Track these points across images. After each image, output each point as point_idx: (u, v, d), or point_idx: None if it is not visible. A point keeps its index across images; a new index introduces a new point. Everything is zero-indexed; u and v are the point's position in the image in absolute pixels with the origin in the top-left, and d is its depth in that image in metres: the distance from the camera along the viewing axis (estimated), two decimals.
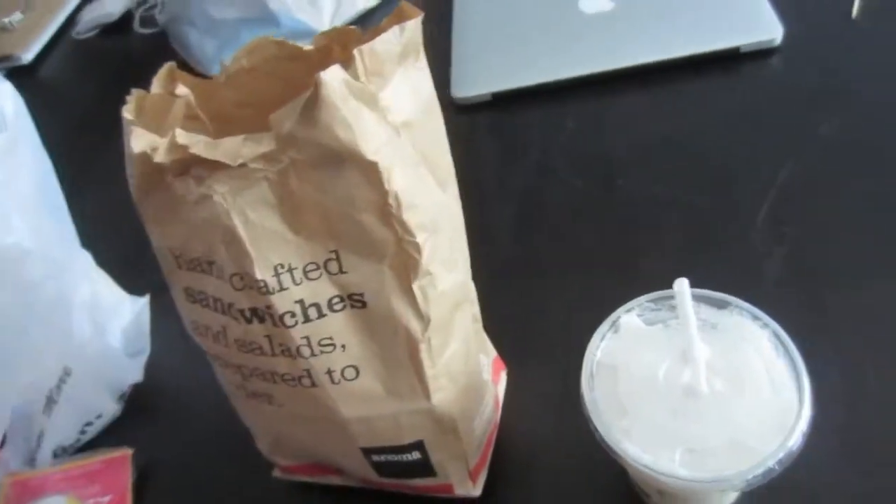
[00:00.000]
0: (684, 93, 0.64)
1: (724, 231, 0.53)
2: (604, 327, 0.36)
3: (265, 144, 0.29)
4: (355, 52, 0.30)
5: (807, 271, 0.49)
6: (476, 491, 0.43)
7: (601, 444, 0.32)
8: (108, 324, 0.50)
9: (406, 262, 0.32)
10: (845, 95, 0.59)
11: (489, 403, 0.43)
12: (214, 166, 0.29)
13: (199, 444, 0.50)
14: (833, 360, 0.44)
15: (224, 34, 0.80)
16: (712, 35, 0.65)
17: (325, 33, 0.35)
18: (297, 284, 0.32)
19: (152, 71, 0.36)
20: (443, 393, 0.37)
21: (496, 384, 0.47)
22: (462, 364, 0.38)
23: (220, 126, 0.37)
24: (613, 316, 0.36)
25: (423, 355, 0.35)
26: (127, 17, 0.97)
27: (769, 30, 0.64)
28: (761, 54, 0.64)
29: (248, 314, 0.33)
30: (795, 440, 0.30)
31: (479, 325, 0.42)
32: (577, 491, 0.44)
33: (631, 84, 0.65)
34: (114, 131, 0.35)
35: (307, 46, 0.35)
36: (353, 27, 0.35)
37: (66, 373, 0.47)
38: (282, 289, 0.32)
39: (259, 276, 0.31)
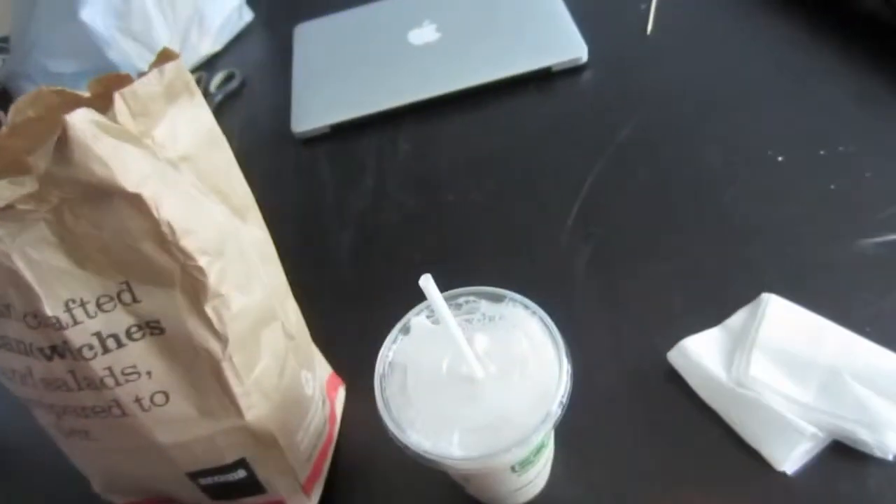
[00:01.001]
0: (505, 111, 0.69)
1: (540, 234, 0.58)
2: (395, 331, 0.38)
3: (28, 186, 0.30)
4: (116, 94, 0.32)
5: (610, 270, 0.54)
6: (311, 503, 0.45)
7: (390, 437, 0.35)
8: None
9: (195, 286, 0.34)
10: (641, 104, 0.65)
11: (316, 417, 0.45)
12: None
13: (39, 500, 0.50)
14: (626, 352, 0.49)
15: None
16: (526, 57, 0.70)
17: (99, 79, 0.37)
18: (92, 317, 0.33)
19: None
20: (256, 409, 0.38)
21: (332, 400, 0.49)
22: (275, 380, 0.40)
23: (15, 175, 0.38)
24: (404, 319, 0.39)
25: (228, 374, 0.36)
26: None
27: (575, 50, 0.70)
28: (571, 72, 0.70)
29: (47, 352, 0.34)
30: (554, 409, 0.34)
31: (297, 341, 0.44)
32: (412, 496, 0.46)
33: (457, 107, 0.70)
34: None
35: (86, 94, 0.37)
36: (126, 73, 0.37)
37: None
38: (76, 323, 0.33)
39: (50, 312, 0.32)
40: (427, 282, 0.34)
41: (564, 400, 0.34)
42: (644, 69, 0.68)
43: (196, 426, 0.37)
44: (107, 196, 0.31)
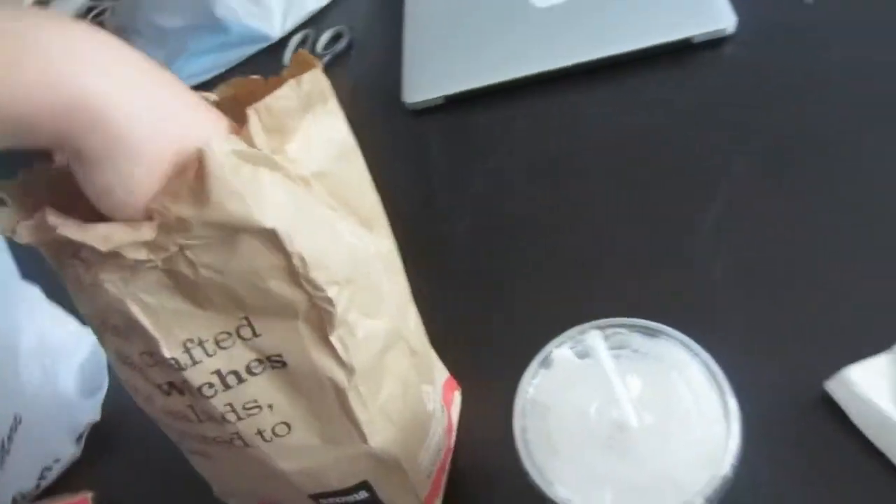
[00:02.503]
0: (637, 88, 0.63)
1: (674, 237, 0.52)
2: (534, 364, 0.35)
3: (144, 232, 0.27)
4: (249, 111, 0.29)
5: (753, 281, 0.49)
6: None
7: (533, 487, 0.32)
8: (60, 366, 0.50)
9: (320, 316, 0.31)
10: (798, 89, 0.58)
11: (437, 433, 0.43)
12: (97, 251, 0.27)
13: (158, 484, 0.50)
14: (777, 382, 0.44)
15: (172, 43, 0.78)
16: (664, 26, 0.63)
17: (230, 84, 0.34)
18: (211, 356, 0.31)
19: None
20: (381, 434, 0.37)
21: (448, 407, 0.47)
22: (400, 403, 0.38)
23: None
24: (544, 351, 0.35)
25: (353, 403, 0.34)
26: None
27: (721, 18, 0.62)
28: (714, 44, 0.63)
29: (165, 388, 0.33)
30: (723, 473, 0.30)
31: (419, 357, 0.41)
32: None
33: (584, 80, 0.64)
34: None
35: (213, 97, 0.34)
36: (256, 77, 0.33)
37: (17, 421, 0.46)
38: (195, 363, 0.31)
39: (168, 354, 0.30)
40: (595, 340, 0.30)
41: (735, 463, 0.31)
42: (803, 45, 0.60)
43: (319, 454, 0.36)
44: (233, 236, 0.28)
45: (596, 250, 0.54)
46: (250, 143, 0.28)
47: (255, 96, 0.31)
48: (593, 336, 0.30)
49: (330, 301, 0.31)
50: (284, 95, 0.29)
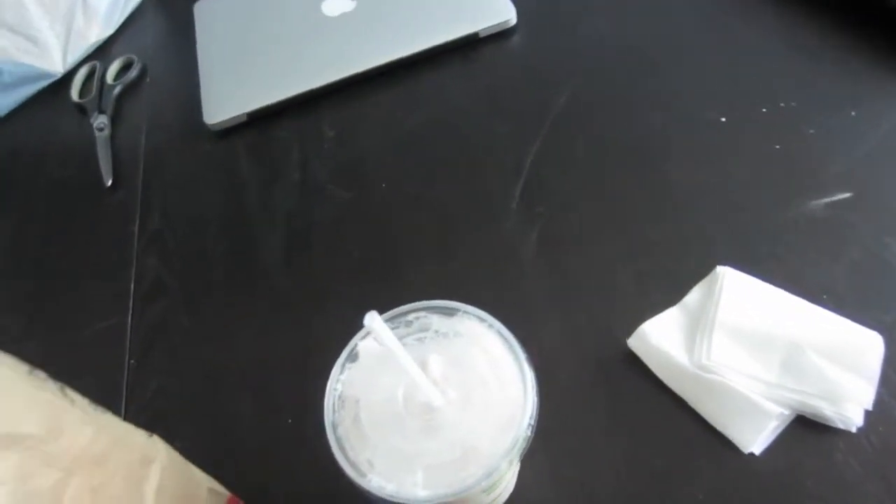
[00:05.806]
0: (432, 85, 0.64)
1: (484, 220, 0.54)
2: (341, 359, 0.35)
3: None
4: None
5: (556, 253, 0.52)
6: None
7: (351, 482, 0.32)
8: None
9: None
10: (574, 68, 0.62)
11: None
12: None
13: None
14: (583, 342, 0.47)
15: None
16: (451, 24, 0.66)
17: None
18: None
19: None
20: None
21: None
22: None
23: None
24: (350, 344, 0.35)
25: None
26: None
27: (503, 12, 0.66)
28: (500, 37, 0.66)
29: None
30: (524, 434, 0.31)
31: None
32: None
33: (381, 83, 0.65)
34: None
35: None
36: None
37: None
38: None
39: None
40: (372, 320, 0.30)
41: (533, 422, 0.32)
42: (575, 29, 0.65)
43: None
44: None
45: (407, 242, 0.54)
46: None
47: None
48: (370, 317, 0.30)
49: None
50: None
